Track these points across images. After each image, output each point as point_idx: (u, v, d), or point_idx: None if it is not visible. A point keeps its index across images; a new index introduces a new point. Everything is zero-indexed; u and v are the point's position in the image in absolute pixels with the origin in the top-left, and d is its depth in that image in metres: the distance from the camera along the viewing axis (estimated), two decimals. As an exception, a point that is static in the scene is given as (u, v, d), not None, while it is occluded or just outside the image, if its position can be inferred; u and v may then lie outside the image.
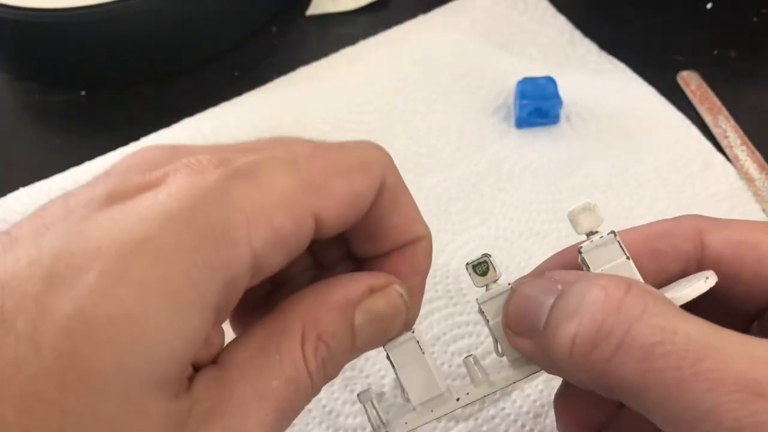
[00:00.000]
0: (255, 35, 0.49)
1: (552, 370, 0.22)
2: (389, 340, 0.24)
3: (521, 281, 0.23)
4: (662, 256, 0.24)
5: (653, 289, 0.20)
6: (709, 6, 0.49)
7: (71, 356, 0.16)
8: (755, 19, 0.48)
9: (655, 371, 0.19)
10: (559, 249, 0.38)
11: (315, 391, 0.22)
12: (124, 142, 0.41)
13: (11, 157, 0.44)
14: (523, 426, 0.31)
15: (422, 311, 0.35)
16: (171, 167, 0.19)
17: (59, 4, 0.43)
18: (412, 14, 0.49)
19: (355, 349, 0.22)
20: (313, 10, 0.50)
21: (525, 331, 0.22)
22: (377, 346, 0.24)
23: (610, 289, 0.20)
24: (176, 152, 0.21)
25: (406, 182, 0.41)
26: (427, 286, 0.35)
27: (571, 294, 0.21)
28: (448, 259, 0.37)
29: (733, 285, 0.23)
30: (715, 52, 0.46)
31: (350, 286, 0.23)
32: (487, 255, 0.24)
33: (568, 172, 0.40)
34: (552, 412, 0.32)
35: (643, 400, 0.19)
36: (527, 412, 0.32)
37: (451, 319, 0.35)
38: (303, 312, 0.22)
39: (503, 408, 0.32)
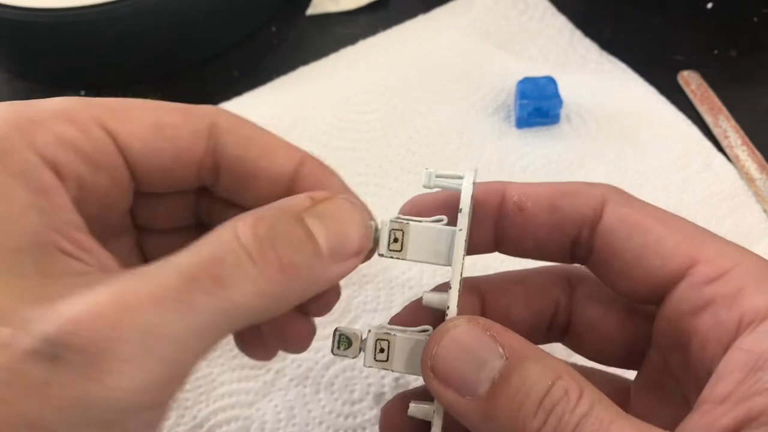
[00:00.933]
0: (255, 35, 0.49)
1: (470, 424, 0.21)
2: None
3: (450, 324, 0.21)
4: (560, 213, 0.24)
5: (600, 394, 0.20)
6: (709, 6, 0.49)
7: None
8: (755, 18, 0.48)
9: None
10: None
11: (263, 267, 0.19)
12: (124, 141, 0.41)
13: (11, 156, 0.44)
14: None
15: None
16: None
17: (59, 4, 0.43)
18: (412, 14, 0.49)
19: (324, 256, 0.21)
20: (313, 10, 0.50)
21: (456, 385, 0.21)
22: (353, 260, 0.22)
23: (567, 388, 0.20)
24: None
25: (406, 181, 0.41)
26: (427, 287, 0.35)
27: (527, 381, 0.20)
28: (448, 259, 0.37)
29: (611, 261, 0.23)
30: (716, 52, 0.46)
31: (288, 200, 0.22)
32: (339, 329, 0.23)
33: (569, 172, 0.40)
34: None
35: None
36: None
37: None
38: (239, 216, 0.20)
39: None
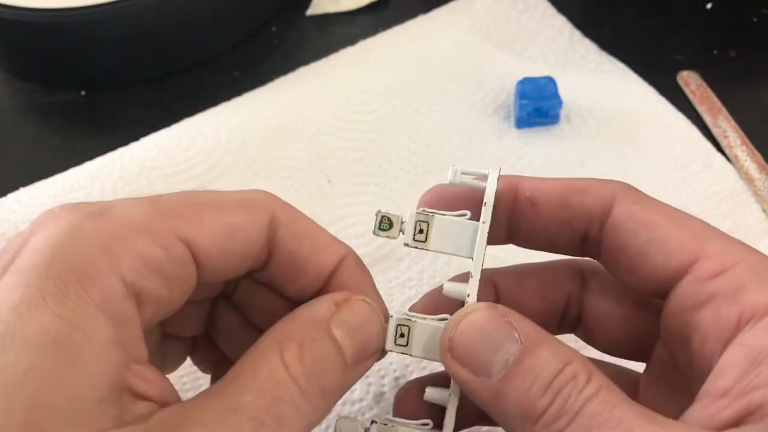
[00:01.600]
0: (255, 35, 0.49)
1: (482, 403, 0.22)
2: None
3: (470, 308, 0.23)
4: (570, 209, 0.24)
5: (608, 380, 0.21)
6: (709, 6, 0.49)
7: None
8: (755, 19, 0.48)
9: None
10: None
11: (311, 399, 0.21)
12: (124, 142, 0.41)
13: (11, 157, 0.44)
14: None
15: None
16: (32, 226, 0.21)
17: (59, 4, 0.43)
18: (412, 14, 0.49)
19: (349, 366, 0.23)
20: (313, 10, 0.50)
21: (472, 366, 0.22)
22: (369, 360, 0.24)
23: (576, 372, 0.21)
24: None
25: (406, 182, 0.41)
26: (427, 287, 0.35)
27: (538, 364, 0.21)
28: (448, 259, 0.37)
29: (619, 257, 0.24)
30: (715, 52, 0.46)
31: (315, 306, 0.23)
32: (381, 211, 0.24)
33: (568, 172, 0.40)
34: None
35: None
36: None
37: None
38: (277, 334, 0.22)
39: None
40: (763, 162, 0.40)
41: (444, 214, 0.24)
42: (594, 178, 0.25)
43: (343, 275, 0.25)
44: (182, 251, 0.21)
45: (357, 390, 0.33)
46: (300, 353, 0.21)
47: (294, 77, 0.45)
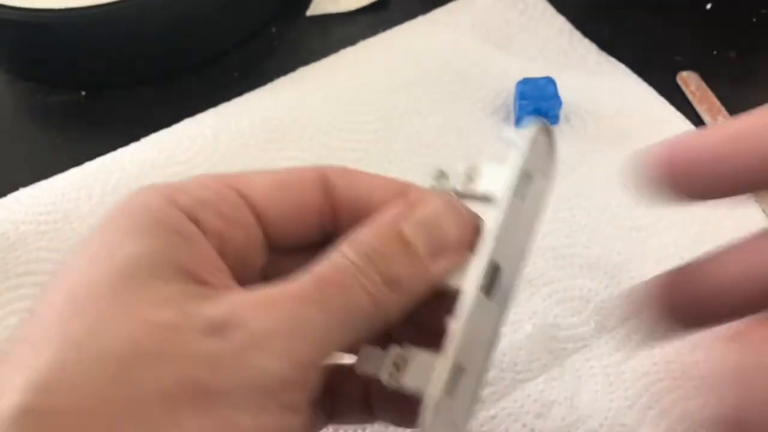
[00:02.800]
0: (255, 35, 0.49)
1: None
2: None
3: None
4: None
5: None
6: (708, 6, 0.49)
7: None
8: (755, 19, 0.48)
9: None
10: (559, 249, 0.38)
11: (370, 281, 0.22)
12: (125, 142, 0.41)
13: (12, 157, 0.44)
14: (524, 426, 0.32)
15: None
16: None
17: (60, 4, 0.43)
18: (412, 15, 0.49)
19: (424, 260, 0.22)
20: (313, 11, 0.50)
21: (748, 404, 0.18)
22: (450, 254, 0.23)
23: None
24: None
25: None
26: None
27: None
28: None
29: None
30: (715, 52, 0.47)
31: (387, 209, 0.23)
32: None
33: (568, 172, 0.40)
34: (552, 412, 0.32)
35: None
36: (527, 412, 0.32)
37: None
38: (344, 239, 0.23)
39: (503, 408, 0.32)
40: (762, 162, 0.40)
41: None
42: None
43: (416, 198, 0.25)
44: (234, 195, 0.23)
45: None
46: (361, 248, 0.22)
47: (294, 77, 0.45)
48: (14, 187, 0.40)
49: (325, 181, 0.25)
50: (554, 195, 0.39)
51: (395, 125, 0.42)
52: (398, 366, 0.22)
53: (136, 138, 0.42)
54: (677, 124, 0.42)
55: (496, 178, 0.23)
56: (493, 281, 0.23)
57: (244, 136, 0.41)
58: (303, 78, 0.45)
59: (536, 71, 0.44)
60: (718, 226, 0.37)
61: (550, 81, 0.41)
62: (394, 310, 0.22)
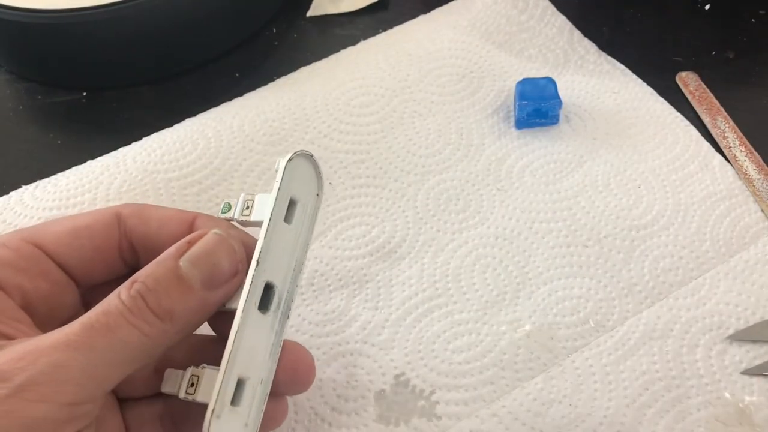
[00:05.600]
0: (255, 36, 0.50)
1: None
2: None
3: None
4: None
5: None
6: (707, 7, 0.49)
7: None
8: (753, 20, 0.49)
9: None
10: (558, 248, 0.38)
11: (138, 318, 0.24)
12: (126, 142, 0.42)
13: (13, 157, 0.44)
14: (523, 424, 0.32)
15: (421, 309, 0.35)
16: None
17: (61, 5, 0.43)
18: (412, 15, 0.49)
19: (198, 290, 0.25)
20: (313, 12, 0.51)
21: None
22: (226, 284, 0.26)
23: None
24: None
25: (406, 182, 0.42)
26: (426, 285, 0.36)
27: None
28: (447, 257, 0.37)
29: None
30: (713, 53, 0.47)
31: (169, 250, 0.26)
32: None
33: (567, 172, 0.40)
34: (552, 411, 0.32)
35: None
36: (527, 411, 0.32)
37: (451, 317, 0.35)
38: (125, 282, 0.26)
39: (503, 406, 0.32)
40: (761, 162, 0.40)
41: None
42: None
43: (200, 226, 0.29)
44: (31, 249, 0.27)
45: (358, 387, 0.33)
46: (129, 285, 0.25)
47: (294, 78, 0.45)
48: (15, 188, 0.40)
49: (121, 220, 0.28)
50: (554, 194, 0.39)
51: (395, 126, 0.42)
52: (193, 383, 0.26)
53: (136, 138, 0.42)
54: (676, 124, 0.42)
55: (264, 207, 0.27)
56: (268, 297, 0.27)
57: (246, 140, 0.41)
58: (303, 79, 0.45)
59: (536, 71, 0.44)
60: (716, 225, 0.38)
61: (550, 81, 0.41)
62: (171, 338, 0.25)
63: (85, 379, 0.23)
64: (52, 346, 0.23)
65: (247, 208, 0.28)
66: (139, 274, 0.25)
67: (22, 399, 0.22)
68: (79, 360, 0.23)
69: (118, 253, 0.29)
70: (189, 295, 0.25)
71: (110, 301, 0.24)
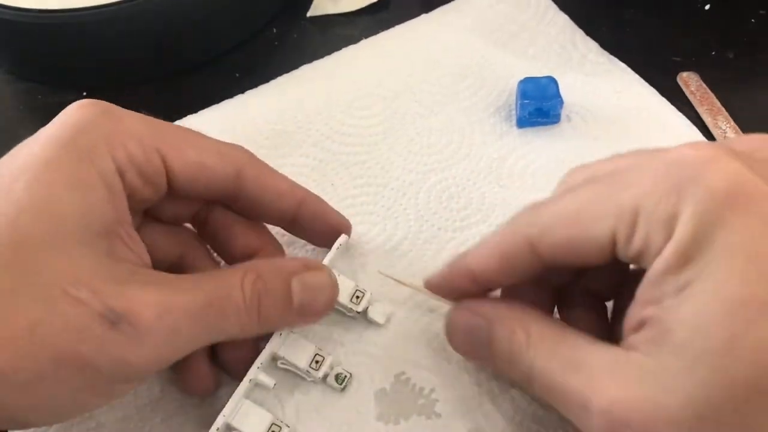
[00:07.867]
0: (255, 36, 0.50)
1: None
2: None
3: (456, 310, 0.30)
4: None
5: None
6: (707, 7, 0.49)
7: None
8: (753, 20, 0.49)
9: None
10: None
11: (250, 313, 0.27)
12: (126, 141, 0.41)
13: (13, 157, 0.44)
14: (521, 424, 0.32)
15: (424, 308, 0.35)
16: (63, 111, 0.28)
17: (61, 5, 0.43)
18: (412, 15, 0.49)
19: (293, 311, 0.29)
20: (313, 12, 0.51)
21: (471, 350, 0.30)
22: (311, 314, 0.30)
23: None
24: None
25: (408, 181, 0.42)
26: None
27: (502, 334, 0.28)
28: (448, 255, 0.37)
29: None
30: (714, 53, 0.47)
31: (288, 260, 0.31)
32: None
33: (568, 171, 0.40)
34: (551, 410, 0.32)
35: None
36: (527, 410, 0.32)
37: (453, 317, 0.35)
38: (246, 265, 0.29)
39: (503, 405, 0.32)
40: (762, 161, 0.40)
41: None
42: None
43: (306, 213, 0.33)
44: (158, 163, 0.28)
45: (358, 386, 0.33)
46: (255, 280, 0.28)
47: (295, 78, 0.45)
48: (16, 187, 0.40)
49: (240, 176, 0.31)
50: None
51: (396, 128, 0.42)
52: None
53: (137, 138, 0.42)
54: (678, 124, 0.42)
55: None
56: None
57: (248, 143, 0.41)
58: (304, 79, 0.45)
59: (538, 70, 0.44)
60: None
61: (551, 80, 0.41)
62: (258, 332, 0.29)
63: (188, 345, 0.27)
64: (182, 309, 0.25)
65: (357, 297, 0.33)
66: (264, 268, 0.28)
67: (134, 345, 0.24)
68: (192, 329, 0.26)
69: (222, 194, 0.31)
70: (286, 312, 0.29)
71: (232, 284, 0.27)
